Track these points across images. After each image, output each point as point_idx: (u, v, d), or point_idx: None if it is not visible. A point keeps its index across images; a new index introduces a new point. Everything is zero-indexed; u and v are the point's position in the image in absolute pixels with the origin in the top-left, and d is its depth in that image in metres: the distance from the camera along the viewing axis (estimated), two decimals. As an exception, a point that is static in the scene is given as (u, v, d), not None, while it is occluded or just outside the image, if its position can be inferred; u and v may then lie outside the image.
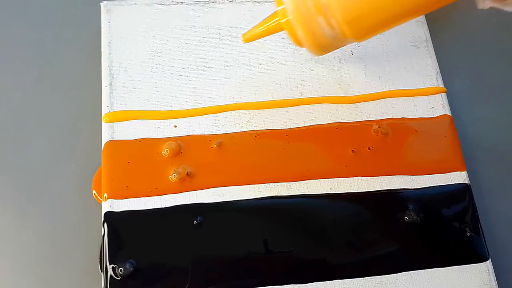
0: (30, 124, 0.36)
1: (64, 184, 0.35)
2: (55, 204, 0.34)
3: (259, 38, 0.32)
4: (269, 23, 0.31)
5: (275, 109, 0.37)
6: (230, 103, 0.36)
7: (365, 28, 0.28)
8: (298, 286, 0.32)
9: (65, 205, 0.34)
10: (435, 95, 0.39)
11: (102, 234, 0.31)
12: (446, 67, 0.41)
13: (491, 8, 0.24)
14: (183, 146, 0.34)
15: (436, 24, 0.43)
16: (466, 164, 0.37)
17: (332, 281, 0.32)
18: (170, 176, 0.33)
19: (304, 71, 0.38)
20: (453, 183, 0.36)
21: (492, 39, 0.45)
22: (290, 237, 0.33)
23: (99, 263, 0.32)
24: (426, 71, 0.39)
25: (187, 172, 0.33)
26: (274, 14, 0.30)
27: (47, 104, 0.37)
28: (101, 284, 0.30)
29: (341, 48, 0.38)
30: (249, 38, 0.32)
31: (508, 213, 0.38)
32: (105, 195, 0.32)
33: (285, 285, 0.31)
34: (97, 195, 0.34)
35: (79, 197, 0.35)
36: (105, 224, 0.31)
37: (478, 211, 0.35)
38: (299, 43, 0.30)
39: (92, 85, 0.37)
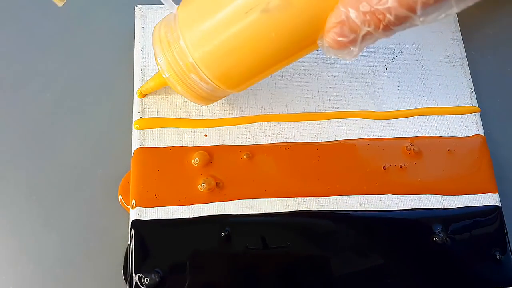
0: (61, 127, 0.36)
1: (91, 188, 0.35)
2: (80, 208, 0.34)
3: (151, 92, 0.35)
4: (158, 79, 0.33)
5: (306, 122, 0.36)
6: (261, 114, 0.36)
7: (236, 82, 0.29)
8: (324, 304, 0.31)
9: (91, 210, 0.34)
10: (468, 114, 0.38)
11: (129, 242, 0.31)
12: (479, 85, 0.40)
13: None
14: (213, 156, 0.34)
15: (471, 42, 0.43)
16: (498, 186, 0.36)
17: (359, 300, 0.31)
18: (199, 186, 0.33)
19: (337, 84, 0.38)
20: (484, 204, 0.35)
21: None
22: (315, 253, 0.32)
23: (123, 271, 0.32)
24: (460, 89, 0.39)
25: (217, 183, 0.33)
26: (159, 72, 0.31)
27: (78, 107, 0.37)
28: (125, 292, 0.30)
29: (376, 62, 0.38)
30: (145, 91, 0.34)
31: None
32: (133, 202, 0.32)
33: (311, 302, 0.31)
34: (123, 200, 0.34)
35: (105, 202, 0.34)
36: (132, 232, 0.31)
37: (508, 234, 0.35)
38: (183, 95, 0.31)
39: (124, 90, 0.37)
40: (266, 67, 0.28)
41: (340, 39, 0.24)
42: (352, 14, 0.23)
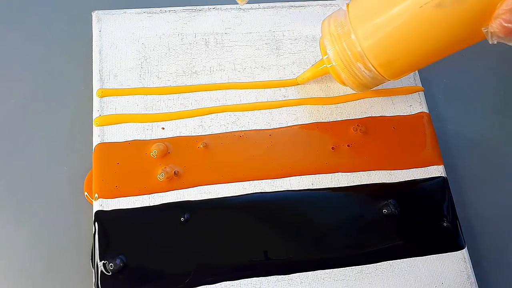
0: (24, 130, 0.38)
1: (57, 186, 0.37)
2: (48, 205, 0.36)
3: (310, 80, 0.39)
4: (318, 68, 0.37)
5: (259, 111, 0.38)
6: (216, 105, 0.38)
7: (397, 70, 0.32)
8: (282, 277, 0.33)
9: (58, 206, 0.36)
10: (412, 93, 0.40)
11: (93, 232, 0.33)
12: (425, 68, 0.42)
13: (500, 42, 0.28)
14: (171, 147, 0.36)
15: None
16: (446, 160, 0.39)
17: (315, 271, 0.33)
18: (158, 176, 0.34)
19: (286, 75, 0.40)
20: (430, 176, 0.37)
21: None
22: (273, 231, 0.34)
23: (91, 260, 0.33)
24: (403, 71, 0.41)
25: (175, 172, 0.35)
26: (321, 61, 0.36)
27: (40, 110, 0.39)
28: (93, 281, 0.32)
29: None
30: (302, 80, 0.39)
31: (484, 204, 0.40)
32: (96, 195, 0.34)
33: (270, 276, 0.33)
34: (88, 196, 0.36)
35: (71, 198, 0.36)
36: (96, 223, 0.33)
37: (455, 203, 0.37)
38: (342, 83, 0.35)
39: (83, 91, 0.39)
40: (429, 57, 0.32)
41: (507, 25, 0.26)
42: None
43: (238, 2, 0.34)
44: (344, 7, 0.32)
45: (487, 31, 0.28)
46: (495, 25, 0.27)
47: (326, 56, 0.34)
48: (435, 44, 0.30)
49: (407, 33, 0.30)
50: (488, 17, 0.27)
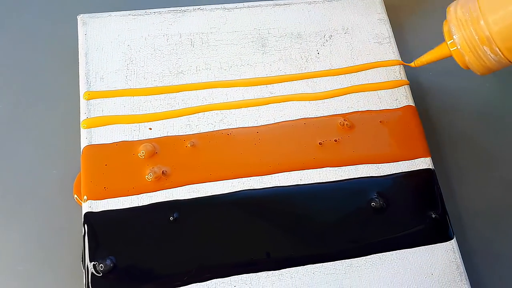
0: (12, 133, 0.38)
1: (47, 189, 0.37)
2: (38, 208, 0.36)
3: (428, 63, 0.40)
4: (440, 52, 0.38)
5: (246, 108, 0.38)
6: (202, 104, 0.38)
7: None
8: (272, 273, 0.33)
9: (48, 209, 0.36)
10: (398, 87, 0.40)
11: (83, 233, 0.33)
12: (410, 61, 0.43)
13: None
14: (158, 147, 0.36)
15: (399, 20, 0.45)
16: (433, 152, 0.39)
17: (304, 266, 0.34)
18: (146, 176, 0.35)
19: (273, 71, 0.40)
20: (417, 168, 0.37)
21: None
22: (262, 227, 0.34)
23: (81, 261, 0.34)
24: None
25: (163, 171, 0.35)
26: (443, 45, 0.37)
27: (29, 113, 0.39)
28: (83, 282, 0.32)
29: (308, 48, 0.41)
30: (420, 63, 0.40)
31: (473, 195, 0.40)
32: (85, 197, 0.34)
33: (259, 273, 0.33)
34: (78, 198, 0.36)
35: (61, 201, 0.36)
36: (85, 224, 0.33)
37: (443, 194, 0.37)
38: (465, 66, 0.37)
39: (70, 94, 0.39)
40: None
41: None
42: None
43: None
44: None
45: None
46: None
47: (451, 40, 0.36)
48: None
49: None
50: None
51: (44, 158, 0.38)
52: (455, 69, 0.43)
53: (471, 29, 0.34)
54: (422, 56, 0.40)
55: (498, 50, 0.33)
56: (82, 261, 0.33)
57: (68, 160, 0.37)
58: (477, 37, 0.34)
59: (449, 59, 0.38)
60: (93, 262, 0.32)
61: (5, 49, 0.42)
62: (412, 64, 0.40)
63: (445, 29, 0.37)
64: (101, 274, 0.32)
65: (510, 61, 0.34)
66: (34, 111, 0.39)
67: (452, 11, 0.36)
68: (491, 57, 0.34)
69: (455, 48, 0.36)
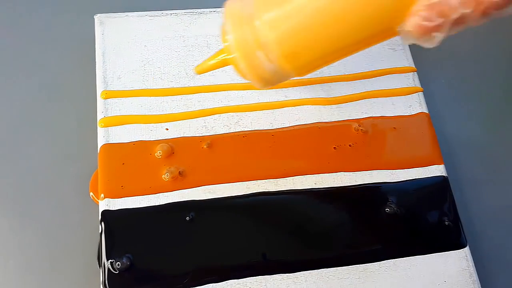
0: (31, 132, 0.39)
1: (64, 187, 0.37)
2: (55, 206, 0.36)
3: (209, 71, 0.33)
4: (217, 58, 0.32)
5: (261, 111, 0.39)
6: (218, 106, 0.38)
7: (303, 63, 0.29)
8: (287, 275, 0.33)
9: (65, 207, 0.36)
10: (412, 94, 0.41)
11: (100, 231, 0.33)
12: (423, 68, 0.43)
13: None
14: (175, 148, 0.36)
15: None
16: (446, 159, 0.39)
17: (319, 270, 0.34)
18: (163, 176, 0.35)
19: (288, 75, 0.40)
20: (431, 176, 0.38)
21: (466, 39, 0.47)
22: (277, 230, 0.35)
23: (97, 259, 0.34)
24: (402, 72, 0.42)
25: (179, 171, 0.35)
26: (221, 50, 0.31)
27: (46, 111, 0.40)
28: (100, 279, 0.32)
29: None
30: (201, 70, 0.33)
31: (486, 203, 0.40)
32: (102, 195, 0.34)
33: (275, 275, 0.33)
34: (94, 196, 0.36)
35: (77, 199, 0.36)
36: (102, 222, 0.33)
37: (456, 202, 0.37)
38: (244, 76, 0.31)
39: (88, 93, 0.39)
40: (337, 49, 0.28)
41: (424, 23, 0.23)
42: None
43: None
44: None
45: (401, 29, 0.25)
46: (411, 23, 0.24)
47: (227, 43, 0.29)
48: (344, 35, 0.27)
49: (313, 20, 0.26)
50: (402, 12, 0.25)
51: (61, 157, 0.38)
52: (468, 76, 0.44)
53: (245, 28, 0.28)
54: (203, 62, 0.33)
55: (273, 57, 0.28)
56: (98, 258, 0.33)
57: (84, 159, 0.37)
58: (251, 38, 0.28)
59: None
60: (110, 260, 0.32)
61: (23, 48, 0.42)
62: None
63: (222, 29, 0.30)
64: (117, 272, 0.32)
65: (289, 70, 0.29)
66: (51, 109, 0.40)
67: (228, 5, 0.29)
68: (266, 65, 0.29)
69: (231, 55, 0.30)
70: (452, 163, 0.41)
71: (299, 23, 0.27)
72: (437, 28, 0.24)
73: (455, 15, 0.23)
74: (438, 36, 0.24)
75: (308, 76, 0.40)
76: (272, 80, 0.30)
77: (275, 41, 0.27)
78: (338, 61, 0.40)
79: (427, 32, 0.24)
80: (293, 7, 0.27)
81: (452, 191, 0.38)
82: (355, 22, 0.26)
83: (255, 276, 0.33)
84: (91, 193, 0.36)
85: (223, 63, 0.32)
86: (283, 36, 0.27)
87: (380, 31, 0.27)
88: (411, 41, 0.25)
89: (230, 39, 0.29)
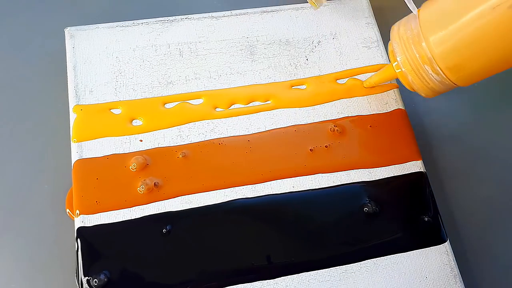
0: (2, 149, 0.38)
1: (39, 204, 0.37)
2: (31, 224, 0.36)
3: (377, 84, 0.40)
4: (386, 73, 0.38)
5: (236, 117, 0.38)
6: (193, 114, 0.38)
7: (465, 74, 0.32)
8: (267, 282, 0.33)
9: (41, 224, 0.36)
10: (388, 91, 0.41)
11: (76, 249, 0.33)
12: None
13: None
14: (150, 159, 0.36)
15: (386, 22, 0.46)
16: (424, 154, 0.39)
17: (299, 274, 0.34)
18: (138, 188, 0.35)
19: (262, 79, 0.40)
20: (409, 172, 0.38)
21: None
22: (256, 236, 0.34)
23: (75, 276, 0.33)
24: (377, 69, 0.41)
25: (155, 183, 0.35)
26: (389, 67, 0.37)
27: (17, 129, 0.39)
28: (79, 296, 0.32)
29: (297, 54, 0.41)
30: (369, 84, 0.40)
31: (465, 197, 0.40)
32: (77, 211, 0.34)
33: (255, 282, 0.33)
34: (70, 213, 0.36)
35: (53, 216, 0.36)
36: (78, 239, 0.33)
37: (436, 196, 0.37)
38: (411, 88, 0.36)
39: (60, 108, 0.38)
40: (500, 62, 0.31)
41: None
42: None
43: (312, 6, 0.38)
44: (415, 12, 0.34)
45: None
46: None
47: (396, 63, 0.35)
48: (508, 49, 0.30)
49: (478, 36, 0.30)
50: None
51: (36, 173, 0.37)
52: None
53: (412, 47, 0.33)
54: (371, 77, 0.39)
55: (439, 70, 0.32)
56: (77, 276, 0.33)
57: (59, 175, 0.37)
58: (418, 56, 0.33)
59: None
60: (87, 277, 0.32)
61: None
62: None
63: (389, 49, 0.36)
64: (95, 289, 0.31)
65: (453, 83, 0.33)
66: (23, 126, 0.39)
67: (395, 29, 0.35)
68: (433, 77, 0.33)
69: (400, 70, 0.35)
70: (431, 158, 0.41)
71: (461, 41, 0.31)
72: None
73: None
74: None
75: (283, 79, 0.40)
76: (439, 90, 0.34)
77: (439, 56, 0.32)
78: (312, 62, 0.40)
79: None
80: (456, 27, 0.31)
81: (432, 185, 0.38)
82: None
83: (235, 284, 0.33)
84: (67, 210, 0.36)
85: (392, 77, 0.38)
86: (446, 51, 0.31)
87: None
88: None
89: (399, 58, 0.34)
